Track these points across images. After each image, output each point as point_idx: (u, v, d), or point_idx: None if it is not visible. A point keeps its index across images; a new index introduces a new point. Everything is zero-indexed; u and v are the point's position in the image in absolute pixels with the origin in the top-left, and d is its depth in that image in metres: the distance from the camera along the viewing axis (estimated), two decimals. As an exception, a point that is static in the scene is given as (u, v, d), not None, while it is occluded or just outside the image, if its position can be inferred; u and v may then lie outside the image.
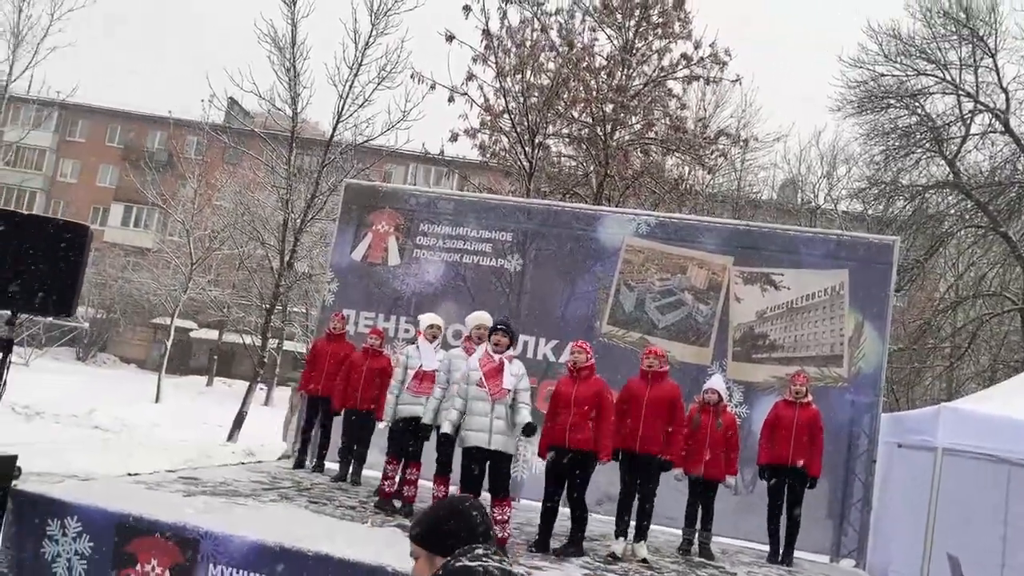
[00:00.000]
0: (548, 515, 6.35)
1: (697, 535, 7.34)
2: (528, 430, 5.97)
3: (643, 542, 6.53)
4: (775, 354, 8.58)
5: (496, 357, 6.09)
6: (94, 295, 36.48)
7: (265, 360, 17.15)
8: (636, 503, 6.60)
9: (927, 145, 18.75)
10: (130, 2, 68.80)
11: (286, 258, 15.77)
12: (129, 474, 7.14)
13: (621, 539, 6.48)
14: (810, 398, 7.46)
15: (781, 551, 7.43)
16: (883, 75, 18.91)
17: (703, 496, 7.30)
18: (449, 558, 2.15)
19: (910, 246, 17.09)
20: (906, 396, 19.57)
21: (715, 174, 19.12)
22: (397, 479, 7.04)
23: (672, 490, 7.32)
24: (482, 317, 6.81)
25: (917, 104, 18.88)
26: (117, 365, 40.40)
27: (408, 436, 6.90)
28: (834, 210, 23.19)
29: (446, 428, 6.12)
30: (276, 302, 17.11)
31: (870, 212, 20.13)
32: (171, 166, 36.90)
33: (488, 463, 6.04)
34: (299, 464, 8.88)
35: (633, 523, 6.57)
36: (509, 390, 6.00)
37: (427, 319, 7.43)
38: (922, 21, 18.67)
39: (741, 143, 17.70)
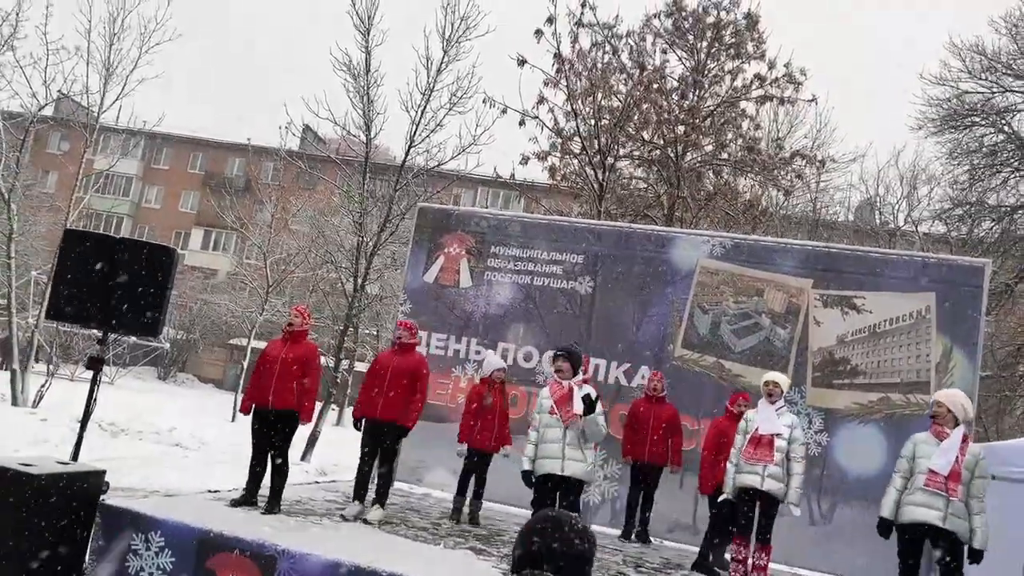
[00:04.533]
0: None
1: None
2: (588, 403, 5.98)
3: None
4: (857, 380, 8.28)
5: (564, 384, 6.05)
6: (175, 316, 37.78)
7: (338, 381, 17.41)
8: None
9: (1015, 164, 18.00)
10: (215, 36, 71.80)
11: (359, 281, 16.05)
12: (209, 491, 7.30)
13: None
14: (666, 393, 8.10)
15: (642, 530, 7.99)
16: (967, 92, 18.28)
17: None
18: None
19: (998, 269, 16.36)
20: (995, 426, 18.66)
21: (790, 196, 18.71)
22: None
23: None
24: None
25: (1004, 121, 18.17)
26: (196, 384, 41.68)
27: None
28: (915, 232, 22.40)
29: (525, 465, 6.10)
30: (349, 323, 17.40)
31: (953, 234, 19.39)
32: (249, 191, 38.18)
33: (560, 490, 5.98)
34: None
35: None
36: (580, 415, 5.95)
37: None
38: (1008, 36, 18.02)
39: (817, 163, 17.31)
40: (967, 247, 17.76)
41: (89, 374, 6.68)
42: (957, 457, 5.33)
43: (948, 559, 5.26)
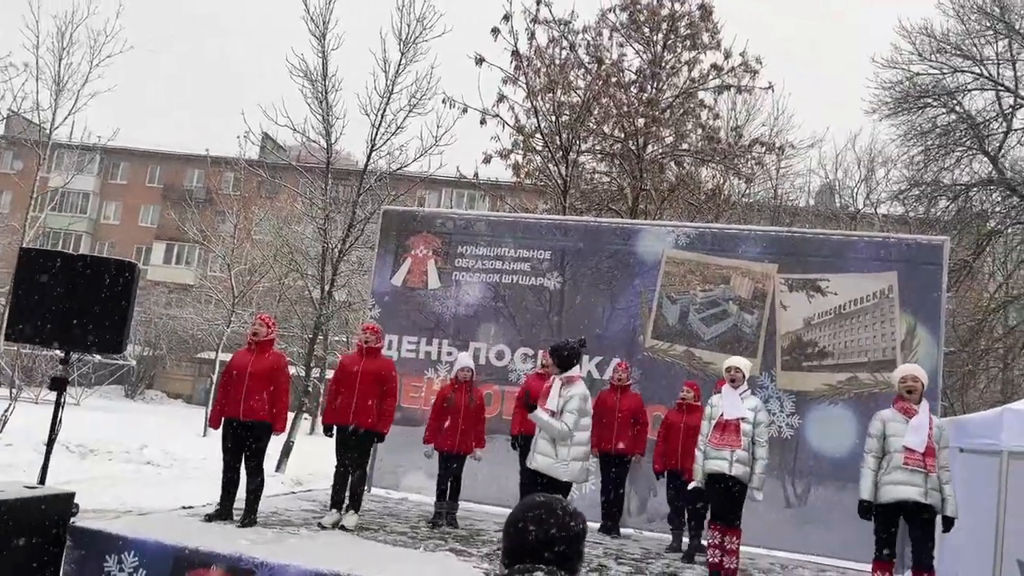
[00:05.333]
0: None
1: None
2: (528, 406, 5.72)
3: None
4: (825, 361, 8.40)
5: (551, 379, 5.98)
6: (140, 333, 37.18)
7: (309, 389, 17.25)
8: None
9: (968, 143, 18.39)
10: (163, 45, 70.78)
11: (326, 288, 15.91)
12: (183, 507, 7.19)
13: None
14: (631, 382, 8.20)
15: (612, 523, 8.05)
16: (918, 74, 18.65)
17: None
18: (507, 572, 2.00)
19: (956, 246, 16.69)
20: (960, 400, 19.03)
21: (751, 183, 18.92)
22: None
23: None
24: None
25: (955, 102, 18.54)
26: (164, 401, 41.04)
27: None
28: (874, 213, 22.78)
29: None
30: (318, 331, 17.24)
31: (912, 214, 19.76)
32: (210, 203, 37.67)
33: (541, 486, 5.89)
34: None
35: None
36: (554, 411, 5.86)
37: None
38: (955, 18, 18.40)
39: (776, 150, 17.52)
40: (925, 226, 18.12)
41: (54, 396, 6.54)
42: (928, 432, 5.42)
43: (925, 531, 5.35)
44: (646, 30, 16.12)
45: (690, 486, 6.46)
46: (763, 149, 16.86)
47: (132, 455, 15.94)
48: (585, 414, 5.73)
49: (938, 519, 5.41)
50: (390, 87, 15.00)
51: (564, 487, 5.62)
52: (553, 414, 5.69)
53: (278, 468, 15.45)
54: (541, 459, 5.67)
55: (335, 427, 6.97)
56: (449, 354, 9.39)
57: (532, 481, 5.75)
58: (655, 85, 15.85)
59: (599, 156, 16.62)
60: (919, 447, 5.37)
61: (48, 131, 18.49)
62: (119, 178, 47.28)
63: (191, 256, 43.85)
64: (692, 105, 16.37)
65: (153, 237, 45.77)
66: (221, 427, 6.62)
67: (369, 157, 15.48)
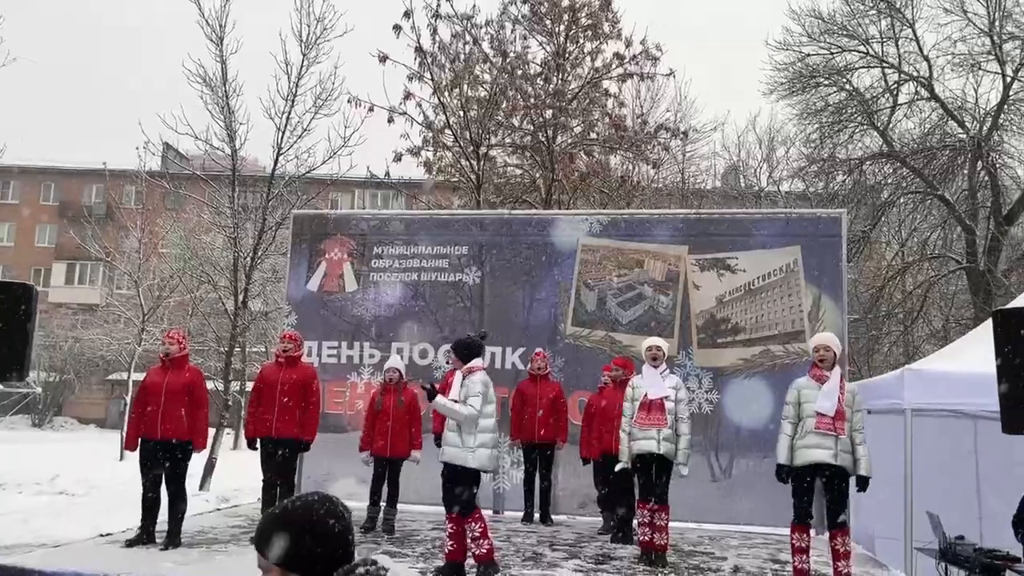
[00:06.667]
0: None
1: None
2: (427, 390, 5.64)
3: None
4: (739, 337, 8.68)
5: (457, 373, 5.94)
6: (44, 358, 35.45)
7: (229, 404, 16.81)
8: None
9: (859, 119, 19.27)
10: (48, 56, 67.52)
11: (240, 298, 15.51)
12: (101, 535, 6.93)
13: None
14: (550, 371, 8.34)
15: (543, 511, 8.25)
16: (809, 55, 19.43)
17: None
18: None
19: (854, 218, 17.48)
20: (867, 364, 19.96)
21: (659, 168, 19.35)
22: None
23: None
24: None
25: (845, 80, 19.40)
26: (76, 427, 39.27)
27: None
28: (777, 191, 23.63)
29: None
30: (234, 344, 16.80)
31: (812, 190, 20.57)
32: (111, 218, 36.12)
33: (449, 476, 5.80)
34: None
35: None
36: (457, 399, 5.80)
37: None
38: (840, -1, 19.22)
39: (681, 135, 17.97)
40: (825, 201, 18.89)
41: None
42: (839, 397, 5.67)
43: (836, 492, 5.60)
44: (548, 22, 16.27)
45: (617, 467, 6.57)
46: (668, 135, 17.26)
47: (44, 486, 15.27)
48: (489, 400, 5.67)
49: (853, 480, 5.66)
50: (294, 89, 14.71)
51: (473, 475, 5.56)
52: (456, 403, 5.64)
53: (202, 486, 15.02)
54: (449, 450, 5.62)
55: (259, 440, 6.82)
56: (371, 356, 9.31)
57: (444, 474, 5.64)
58: (560, 76, 16.01)
59: (510, 149, 16.71)
60: (829, 411, 5.61)
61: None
62: (10, 197, 44.87)
63: (94, 275, 41.98)
64: (598, 94, 16.62)
65: (52, 257, 43.61)
66: (138, 449, 6.40)
67: (276, 162, 15.15)
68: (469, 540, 5.55)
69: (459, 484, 5.54)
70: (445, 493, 5.62)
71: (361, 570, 1.75)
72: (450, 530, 5.60)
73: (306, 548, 1.74)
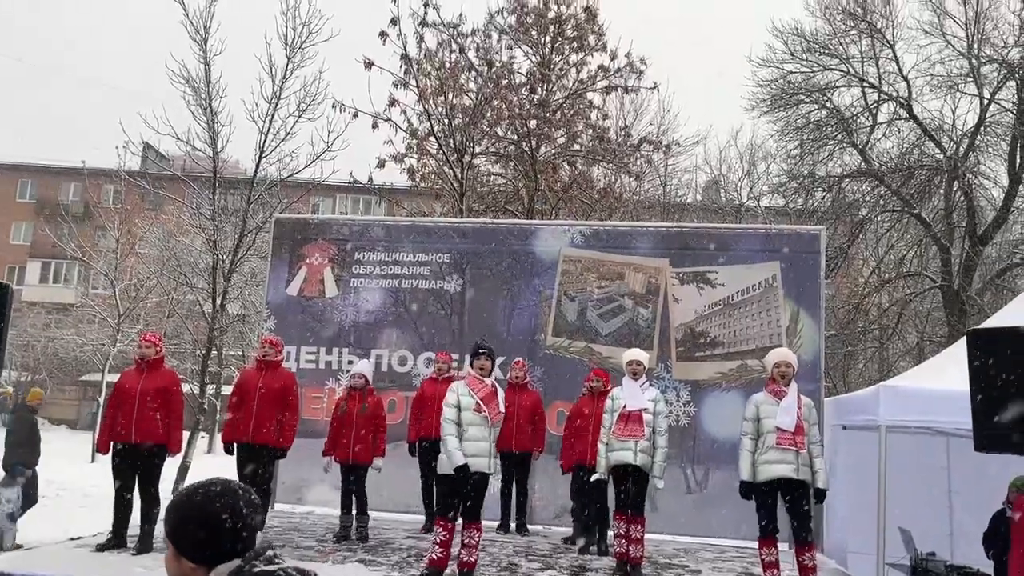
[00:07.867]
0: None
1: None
2: None
3: None
4: (717, 350, 8.74)
5: (487, 382, 5.88)
6: (16, 357, 34.95)
7: (205, 407, 16.64)
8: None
9: (839, 136, 19.50)
10: (31, 50, 66.89)
11: (218, 301, 15.39)
12: (71, 539, 6.83)
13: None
14: (529, 380, 8.28)
15: (520, 521, 8.26)
16: (791, 72, 19.66)
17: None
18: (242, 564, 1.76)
19: (832, 235, 17.67)
20: (842, 380, 20.14)
21: (641, 181, 19.46)
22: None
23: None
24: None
25: (826, 98, 19.63)
26: (47, 428, 38.52)
27: None
28: (757, 206, 23.84)
29: (460, 460, 5.67)
30: (211, 346, 16.66)
31: (791, 206, 20.76)
32: (89, 217, 35.74)
33: (474, 486, 5.78)
34: None
35: None
36: (502, 413, 5.88)
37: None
38: (822, 18, 19.51)
39: (663, 148, 18.08)
40: (804, 217, 19.07)
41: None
42: (797, 412, 5.72)
43: (800, 508, 5.65)
44: (534, 32, 16.34)
45: (593, 477, 6.57)
46: (651, 147, 17.36)
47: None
48: (455, 406, 5.86)
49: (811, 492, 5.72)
50: (278, 92, 14.63)
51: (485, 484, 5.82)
52: (502, 415, 5.94)
53: (175, 490, 14.86)
54: (492, 462, 5.75)
55: (235, 445, 6.76)
56: (350, 363, 9.26)
57: (459, 482, 5.60)
58: (545, 87, 16.07)
59: (494, 158, 16.73)
60: (790, 427, 5.67)
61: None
62: (-15, 194, 44.28)
63: (70, 274, 41.48)
64: (582, 106, 16.70)
65: (27, 255, 43.03)
66: (111, 451, 6.32)
67: (258, 165, 15.06)
68: (462, 547, 5.55)
69: (483, 491, 5.75)
70: (473, 501, 5.67)
71: (260, 563, 1.79)
72: (440, 538, 5.60)
73: (190, 534, 1.77)
